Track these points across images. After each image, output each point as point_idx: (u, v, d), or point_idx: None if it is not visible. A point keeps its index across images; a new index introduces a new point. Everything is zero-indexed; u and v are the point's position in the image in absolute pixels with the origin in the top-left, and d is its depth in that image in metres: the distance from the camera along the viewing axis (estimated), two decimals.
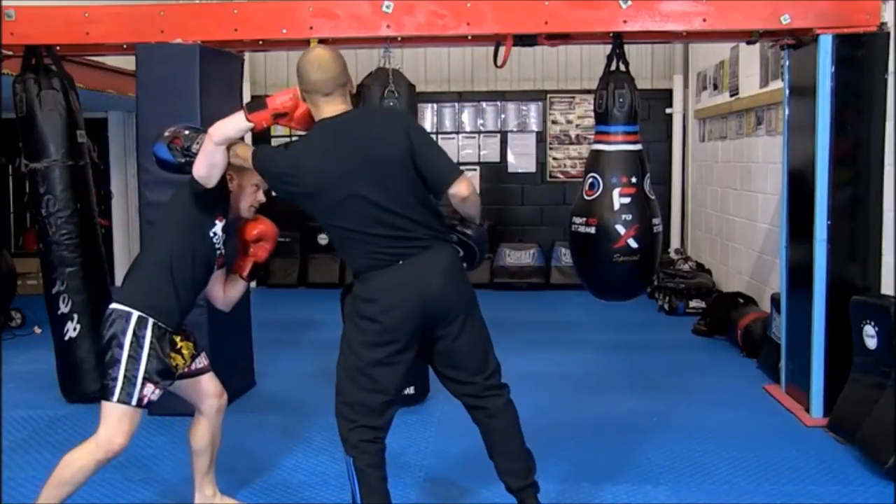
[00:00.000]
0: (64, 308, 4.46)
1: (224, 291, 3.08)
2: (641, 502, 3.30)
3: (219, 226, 2.86)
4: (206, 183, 2.72)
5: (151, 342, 2.71)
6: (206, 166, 2.69)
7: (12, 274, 6.43)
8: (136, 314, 2.71)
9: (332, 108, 2.63)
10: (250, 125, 2.66)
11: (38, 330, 6.23)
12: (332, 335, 5.52)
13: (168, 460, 3.73)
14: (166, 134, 2.85)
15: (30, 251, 7.95)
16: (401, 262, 2.59)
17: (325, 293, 8.14)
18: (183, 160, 2.81)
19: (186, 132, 2.84)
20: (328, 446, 3.80)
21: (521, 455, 2.81)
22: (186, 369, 2.90)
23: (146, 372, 2.69)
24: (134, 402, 2.69)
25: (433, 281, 2.61)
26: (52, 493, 2.71)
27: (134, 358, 2.68)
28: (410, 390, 4.43)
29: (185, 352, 2.87)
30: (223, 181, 2.79)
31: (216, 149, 2.66)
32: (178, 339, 2.84)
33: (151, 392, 2.72)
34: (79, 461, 2.70)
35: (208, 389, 2.99)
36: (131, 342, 2.69)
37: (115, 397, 2.67)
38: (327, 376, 5.03)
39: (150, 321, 2.72)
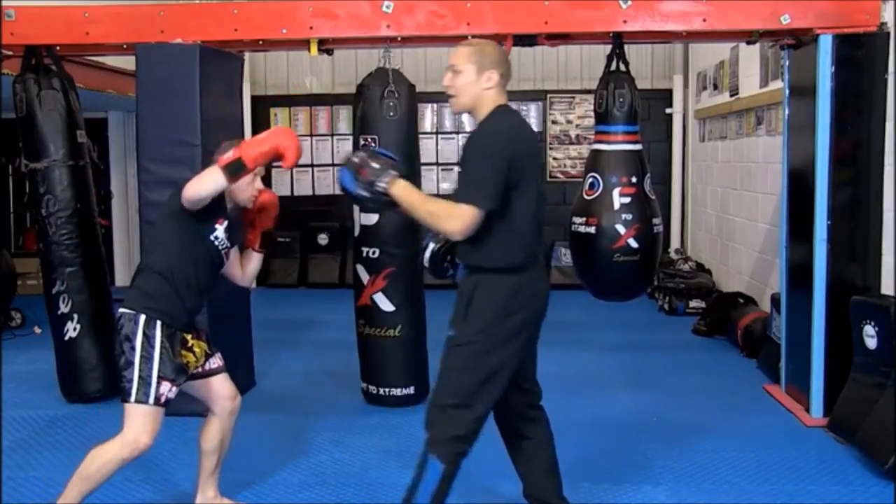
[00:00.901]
0: (64, 308, 4.45)
1: (242, 268, 3.12)
2: (641, 502, 3.30)
3: (220, 229, 2.86)
4: (191, 207, 2.72)
5: (162, 341, 2.74)
6: (194, 199, 2.68)
7: (12, 274, 6.44)
8: (143, 315, 2.74)
9: (506, 98, 2.73)
10: (230, 186, 2.67)
11: (38, 330, 6.23)
12: (332, 335, 5.50)
13: (169, 460, 3.72)
14: (356, 160, 2.66)
15: (30, 251, 7.94)
16: (541, 260, 2.73)
17: (325, 293, 8.15)
18: (365, 194, 2.64)
19: (375, 165, 2.63)
20: (328, 446, 3.80)
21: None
22: (199, 368, 2.92)
23: (160, 371, 2.73)
24: (151, 400, 2.72)
25: (548, 285, 2.75)
26: (75, 490, 2.76)
27: (146, 358, 2.72)
28: (410, 390, 4.43)
29: (196, 350, 2.89)
30: None
31: (205, 195, 2.66)
32: (189, 337, 2.87)
33: (168, 390, 2.75)
34: (104, 456, 2.75)
35: (222, 391, 3.01)
36: (142, 343, 2.72)
37: (133, 398, 2.71)
38: (328, 376, 5.05)
39: (159, 321, 2.75)
